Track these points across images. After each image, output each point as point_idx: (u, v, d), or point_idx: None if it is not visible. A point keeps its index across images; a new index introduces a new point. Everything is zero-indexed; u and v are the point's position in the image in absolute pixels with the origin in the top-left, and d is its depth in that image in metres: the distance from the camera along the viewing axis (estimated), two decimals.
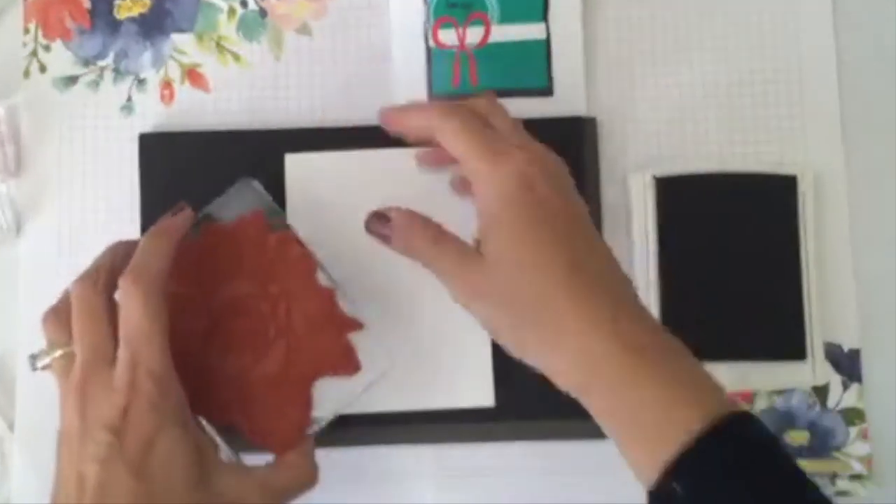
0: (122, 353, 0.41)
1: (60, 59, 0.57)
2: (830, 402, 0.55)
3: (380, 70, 0.58)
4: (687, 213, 0.54)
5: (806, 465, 0.54)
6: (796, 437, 0.55)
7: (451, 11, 0.57)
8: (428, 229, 0.45)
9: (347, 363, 0.49)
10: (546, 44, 0.57)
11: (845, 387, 0.55)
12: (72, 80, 0.57)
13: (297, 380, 0.48)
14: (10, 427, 0.54)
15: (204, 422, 0.46)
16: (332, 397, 0.48)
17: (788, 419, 0.55)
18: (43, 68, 0.57)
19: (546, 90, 0.57)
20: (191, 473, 0.41)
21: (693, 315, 0.53)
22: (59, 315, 0.44)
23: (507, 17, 0.57)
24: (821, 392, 0.55)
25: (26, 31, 0.57)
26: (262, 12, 0.58)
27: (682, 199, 0.54)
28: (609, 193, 0.56)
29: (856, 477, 0.54)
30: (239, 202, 0.50)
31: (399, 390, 0.53)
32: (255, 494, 0.43)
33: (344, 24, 0.58)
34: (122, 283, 0.42)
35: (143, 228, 0.55)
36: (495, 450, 0.54)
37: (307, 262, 0.49)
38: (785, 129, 0.57)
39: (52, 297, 0.54)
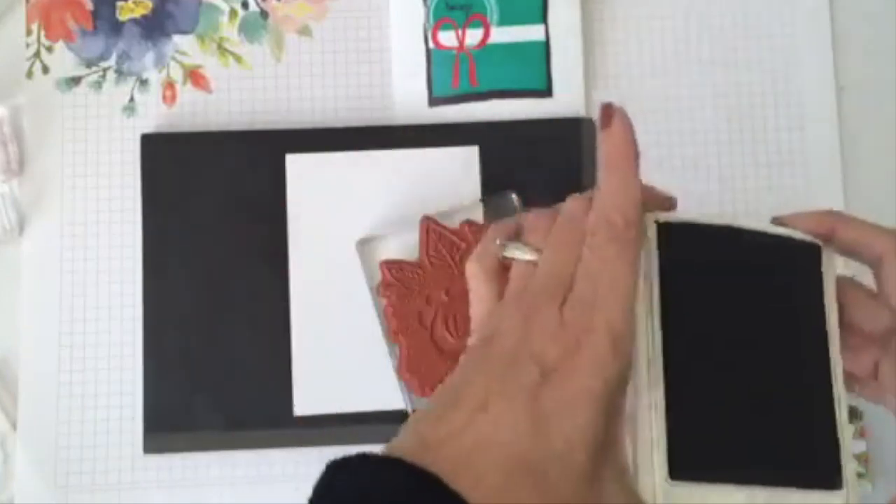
0: (584, 290, 0.34)
1: (63, 60, 0.58)
2: None
3: (380, 71, 0.58)
4: (698, 272, 0.41)
5: None
6: None
7: (451, 13, 0.58)
8: None
9: None
10: (545, 45, 0.58)
11: None
12: (74, 80, 0.57)
13: None
14: (14, 426, 0.54)
15: (408, 394, 0.51)
16: None
17: None
18: (45, 69, 0.57)
19: (545, 91, 0.57)
20: (593, 458, 0.32)
21: (702, 422, 0.39)
22: (545, 223, 0.38)
23: (507, 19, 0.57)
24: None
25: (29, 32, 0.58)
26: (264, 14, 0.58)
27: (691, 252, 0.41)
28: None
29: None
30: (496, 210, 0.55)
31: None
32: None
33: (344, 25, 0.58)
34: (615, 219, 0.35)
35: (145, 228, 0.55)
36: None
37: None
38: (783, 128, 0.57)
39: (53, 297, 0.55)
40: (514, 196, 0.55)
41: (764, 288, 0.41)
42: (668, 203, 0.40)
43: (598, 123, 0.38)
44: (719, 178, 0.57)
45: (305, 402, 0.54)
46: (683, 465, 0.38)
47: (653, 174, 0.58)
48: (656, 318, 0.38)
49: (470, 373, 0.34)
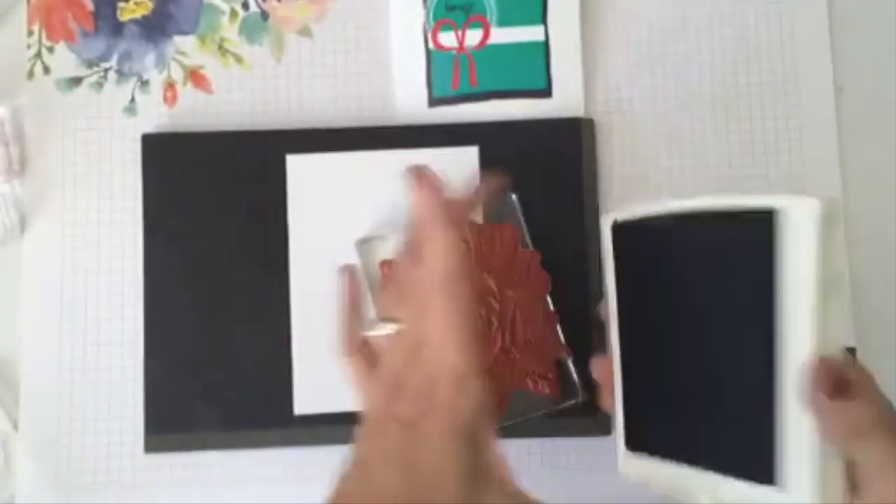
0: (426, 342, 0.39)
1: (64, 60, 0.58)
2: None
3: (380, 72, 0.58)
4: (647, 267, 0.43)
5: None
6: None
7: (451, 14, 0.58)
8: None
9: (547, 385, 0.53)
10: (545, 46, 0.58)
11: None
12: (75, 81, 0.58)
13: (499, 380, 0.52)
14: (15, 426, 0.54)
15: None
16: (518, 406, 0.53)
17: None
18: (47, 70, 0.58)
19: (545, 91, 0.58)
20: (466, 483, 0.37)
21: (651, 404, 0.43)
22: (399, 293, 0.43)
23: (506, 20, 0.58)
24: None
25: (30, 32, 0.58)
26: (264, 14, 0.59)
27: (641, 249, 0.44)
28: (606, 194, 0.57)
29: None
30: (497, 210, 0.55)
31: None
32: None
33: (344, 26, 0.59)
34: (433, 270, 0.39)
35: (146, 228, 0.55)
36: None
37: (544, 284, 0.54)
38: (781, 129, 0.58)
39: (55, 297, 0.55)
40: (514, 196, 0.55)
41: (707, 273, 0.40)
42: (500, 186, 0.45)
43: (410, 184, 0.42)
44: (718, 177, 0.57)
45: (306, 401, 0.54)
46: (637, 439, 0.44)
47: (651, 173, 0.59)
48: (612, 314, 0.45)
49: (358, 444, 0.39)
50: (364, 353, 0.44)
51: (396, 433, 0.38)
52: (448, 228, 0.40)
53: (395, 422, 0.38)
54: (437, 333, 0.38)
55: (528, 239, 0.55)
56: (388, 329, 0.42)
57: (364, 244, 0.54)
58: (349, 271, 0.48)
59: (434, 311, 0.39)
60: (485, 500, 0.37)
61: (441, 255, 0.39)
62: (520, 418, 0.53)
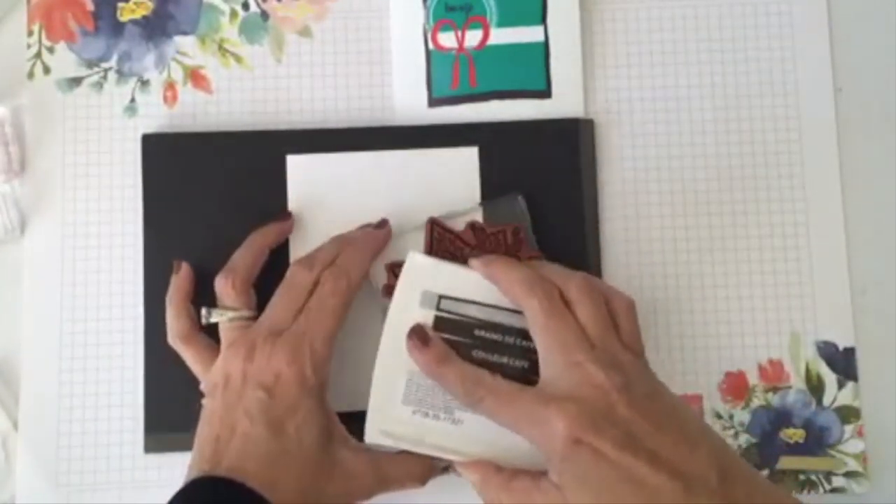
0: (300, 323, 0.48)
1: (64, 60, 0.58)
2: (826, 401, 0.56)
3: (380, 72, 0.58)
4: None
5: (801, 462, 0.55)
6: (792, 435, 0.55)
7: (451, 14, 0.58)
8: (498, 476, 0.46)
9: None
10: (544, 46, 0.58)
11: (840, 385, 0.56)
12: (75, 81, 0.58)
13: None
14: (15, 425, 0.54)
15: None
16: None
17: (784, 417, 0.55)
18: (47, 70, 0.58)
19: (544, 92, 0.58)
20: (319, 439, 0.47)
21: None
22: (235, 284, 0.50)
23: (506, 20, 0.58)
24: (816, 390, 0.56)
25: (30, 32, 0.58)
26: (264, 15, 0.59)
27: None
28: (606, 195, 0.57)
29: (851, 474, 0.55)
30: (503, 211, 0.55)
31: None
32: (368, 472, 0.48)
33: (345, 26, 0.59)
34: (342, 280, 0.49)
35: (146, 228, 0.56)
36: None
37: None
38: (781, 129, 0.58)
39: (55, 297, 0.55)
40: (519, 198, 0.55)
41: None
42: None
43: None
44: (718, 177, 0.57)
45: None
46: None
47: (650, 172, 0.59)
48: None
49: (219, 408, 0.47)
50: (197, 339, 0.51)
51: (258, 397, 0.46)
52: (369, 249, 0.51)
53: (259, 386, 0.46)
54: (313, 319, 0.48)
55: (535, 242, 0.54)
56: (226, 315, 0.50)
57: None
58: (180, 266, 0.53)
59: (321, 303, 0.48)
60: (334, 452, 0.47)
61: (356, 267, 0.50)
62: None
